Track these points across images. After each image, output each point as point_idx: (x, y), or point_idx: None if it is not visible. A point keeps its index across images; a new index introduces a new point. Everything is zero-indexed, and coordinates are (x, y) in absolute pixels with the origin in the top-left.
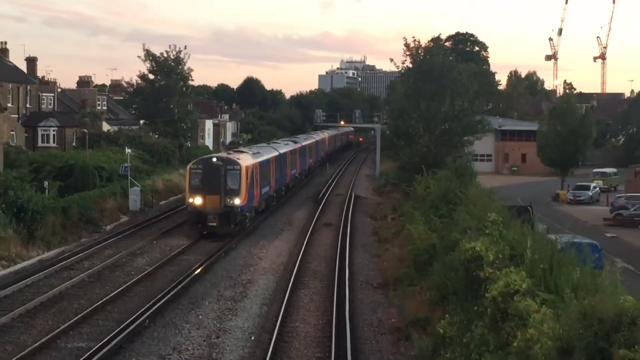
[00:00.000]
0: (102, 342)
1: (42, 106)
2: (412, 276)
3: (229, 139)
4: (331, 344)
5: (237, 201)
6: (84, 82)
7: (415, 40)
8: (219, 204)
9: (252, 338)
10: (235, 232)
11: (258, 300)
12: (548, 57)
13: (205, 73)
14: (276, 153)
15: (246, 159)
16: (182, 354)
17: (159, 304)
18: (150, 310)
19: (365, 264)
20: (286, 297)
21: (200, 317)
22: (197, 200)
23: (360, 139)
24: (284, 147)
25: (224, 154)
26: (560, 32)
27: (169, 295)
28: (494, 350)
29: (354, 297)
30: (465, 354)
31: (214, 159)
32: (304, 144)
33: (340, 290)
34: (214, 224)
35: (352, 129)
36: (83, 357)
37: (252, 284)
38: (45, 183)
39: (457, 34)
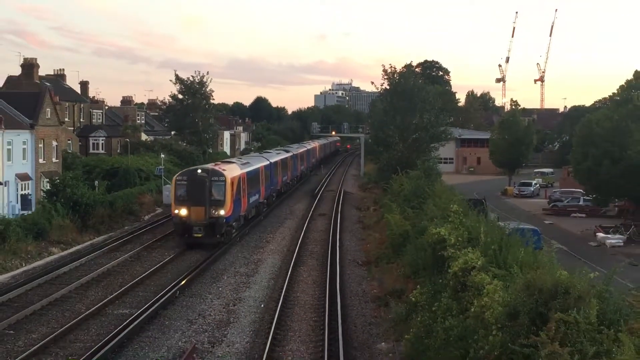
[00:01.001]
0: (141, 309)
1: (93, 120)
2: (389, 256)
3: (242, 146)
4: (325, 309)
5: (222, 212)
6: (126, 101)
7: (391, 66)
8: (203, 215)
9: (262, 305)
10: (221, 243)
11: (267, 275)
12: (498, 80)
13: (223, 93)
14: (266, 162)
15: (232, 170)
16: (206, 319)
17: (186, 279)
18: (180, 284)
19: (352, 246)
20: (289, 273)
21: (220, 288)
22: (183, 212)
23: (348, 146)
24: (275, 156)
25: (209, 166)
26: (507, 59)
27: (195, 271)
28: (456, 314)
29: (343, 272)
30: (433, 317)
31: (199, 171)
32: (295, 152)
33: (332, 267)
34: (199, 235)
35: (339, 138)
36: (127, 321)
37: (262, 262)
38: (96, 182)
39: (425, 61)
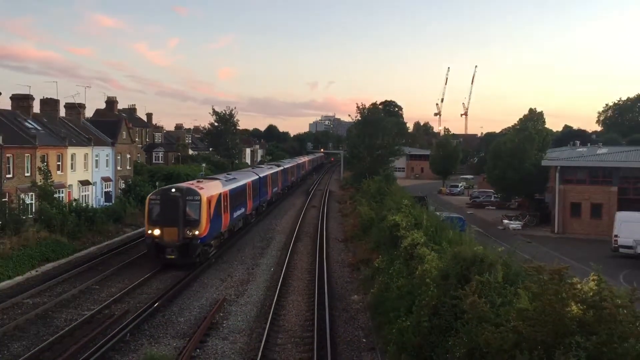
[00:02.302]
0: (188, 273)
1: (155, 140)
2: (360, 235)
3: (259, 159)
4: (315, 271)
5: (197, 232)
6: (178, 127)
7: (362, 104)
8: (177, 237)
9: (272, 269)
10: (196, 264)
11: (275, 248)
12: (436, 114)
13: (245, 122)
14: (255, 177)
15: (211, 188)
16: (232, 278)
17: (220, 250)
18: (215, 253)
19: (334, 228)
20: (290, 247)
21: (243, 257)
22: (156, 232)
23: (332, 159)
24: (266, 170)
25: (185, 185)
26: (442, 100)
27: (225, 245)
28: (406, 276)
29: (328, 246)
30: (389, 278)
31: (173, 190)
32: (286, 166)
33: (321, 243)
34: (172, 256)
35: (323, 153)
36: (178, 280)
37: (272, 239)
38: (157, 183)
39: (386, 100)
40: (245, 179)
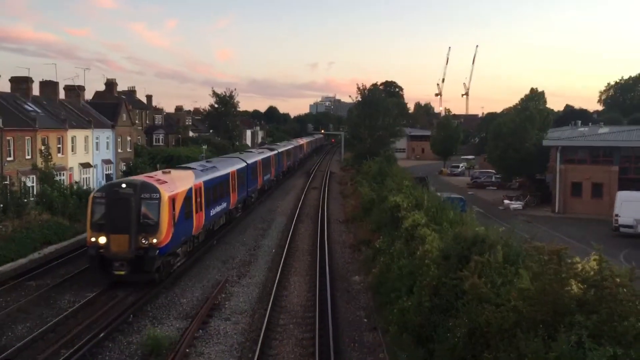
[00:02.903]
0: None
1: (155, 122)
2: (361, 216)
3: (259, 140)
4: (317, 253)
5: (154, 241)
6: (178, 109)
7: (362, 85)
8: (127, 246)
9: (273, 251)
10: (156, 281)
11: (277, 230)
12: (436, 94)
13: (245, 104)
14: (242, 165)
15: (177, 182)
16: (235, 259)
17: (222, 232)
18: (217, 236)
19: (335, 209)
20: (292, 228)
21: (245, 239)
22: (100, 240)
23: (332, 140)
24: (256, 156)
25: (140, 177)
26: (443, 80)
27: (228, 226)
28: (406, 257)
29: (329, 227)
30: (390, 259)
31: (123, 185)
32: (280, 150)
33: (322, 224)
34: (122, 272)
35: (322, 135)
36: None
37: (274, 220)
38: (157, 165)
39: (386, 81)
40: (228, 167)
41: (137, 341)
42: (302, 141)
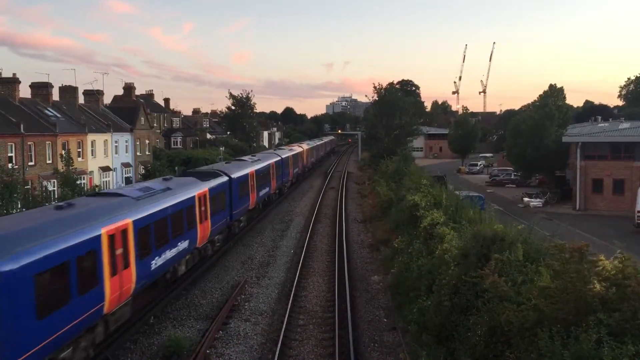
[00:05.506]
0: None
1: (173, 125)
2: (379, 216)
3: (277, 141)
4: (335, 253)
5: None
6: (196, 111)
7: (379, 84)
8: None
9: (292, 251)
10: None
11: (295, 230)
12: (454, 92)
13: (262, 105)
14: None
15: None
16: (253, 260)
17: (239, 234)
18: (235, 237)
19: (353, 209)
20: (310, 228)
21: (263, 240)
22: None
23: (349, 140)
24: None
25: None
26: (460, 78)
27: (245, 228)
28: (425, 256)
29: (347, 227)
30: (409, 258)
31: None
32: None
33: (340, 224)
34: None
35: (334, 137)
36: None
37: (292, 221)
38: (176, 168)
39: (403, 80)
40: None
41: (158, 342)
42: (317, 142)
